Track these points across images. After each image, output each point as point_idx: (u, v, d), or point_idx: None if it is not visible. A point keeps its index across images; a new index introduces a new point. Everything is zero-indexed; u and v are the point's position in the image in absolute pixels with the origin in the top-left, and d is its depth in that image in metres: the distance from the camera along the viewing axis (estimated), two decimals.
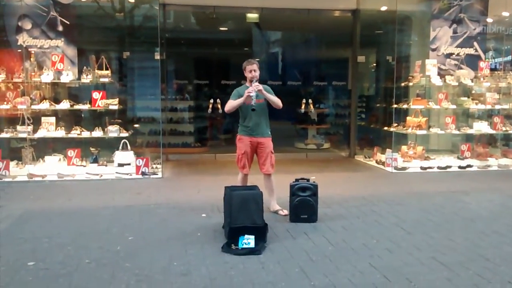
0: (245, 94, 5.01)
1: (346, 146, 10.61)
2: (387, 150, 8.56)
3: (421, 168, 8.28)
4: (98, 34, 9.57)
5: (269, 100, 5.16)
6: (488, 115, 9.34)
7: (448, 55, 9.22)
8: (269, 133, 5.31)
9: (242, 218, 4.21)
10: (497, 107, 8.93)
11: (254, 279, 3.49)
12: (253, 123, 5.17)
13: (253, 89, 4.97)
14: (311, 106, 10.90)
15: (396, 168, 8.21)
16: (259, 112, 5.15)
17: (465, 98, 8.93)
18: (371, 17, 10.20)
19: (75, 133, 7.63)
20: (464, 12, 9.20)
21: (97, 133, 7.68)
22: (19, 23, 7.81)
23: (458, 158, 8.77)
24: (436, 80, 8.62)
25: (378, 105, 10.75)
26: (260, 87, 5.03)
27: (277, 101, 5.17)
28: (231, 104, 5.15)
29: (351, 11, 9.97)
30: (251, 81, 5.10)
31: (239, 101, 5.09)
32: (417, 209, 5.59)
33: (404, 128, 8.67)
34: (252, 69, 5.10)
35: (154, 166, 7.89)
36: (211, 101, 10.57)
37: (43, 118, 7.63)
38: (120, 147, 7.60)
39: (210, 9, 9.98)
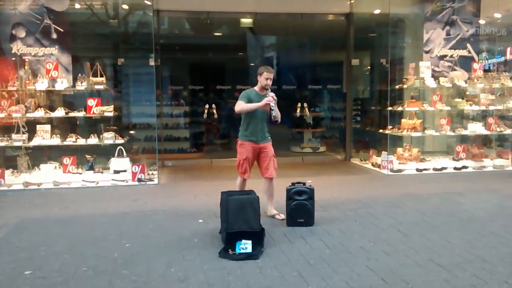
0: (264, 101, 4.97)
1: (342, 149, 10.64)
2: (383, 152, 8.59)
3: (417, 170, 8.32)
4: (92, 41, 9.56)
5: (275, 113, 5.05)
6: (482, 116, 9.39)
7: (442, 57, 9.27)
8: (269, 137, 5.33)
9: (239, 223, 4.22)
10: (491, 107, 8.97)
11: (252, 284, 3.49)
12: (256, 128, 5.16)
13: (272, 100, 4.94)
14: (306, 109, 10.93)
15: (392, 170, 8.23)
16: (261, 118, 5.18)
17: (459, 100, 8.99)
18: (364, 20, 10.25)
19: (71, 140, 7.60)
20: (456, 14, 9.26)
21: (93, 140, 7.67)
22: (13, 31, 7.79)
23: (454, 159, 8.80)
24: (430, 82, 8.66)
25: (373, 107, 10.80)
26: (275, 98, 5.02)
27: (279, 116, 5.14)
28: (245, 106, 5.06)
29: (345, 14, 10.03)
30: (264, 88, 5.09)
31: (255, 105, 5.04)
32: (413, 211, 5.61)
33: (399, 130, 8.70)
34: (269, 78, 5.07)
35: (150, 172, 7.90)
36: (207, 106, 10.61)
37: (38, 126, 7.60)
38: (116, 154, 7.59)
39: (204, 14, 10.00)
